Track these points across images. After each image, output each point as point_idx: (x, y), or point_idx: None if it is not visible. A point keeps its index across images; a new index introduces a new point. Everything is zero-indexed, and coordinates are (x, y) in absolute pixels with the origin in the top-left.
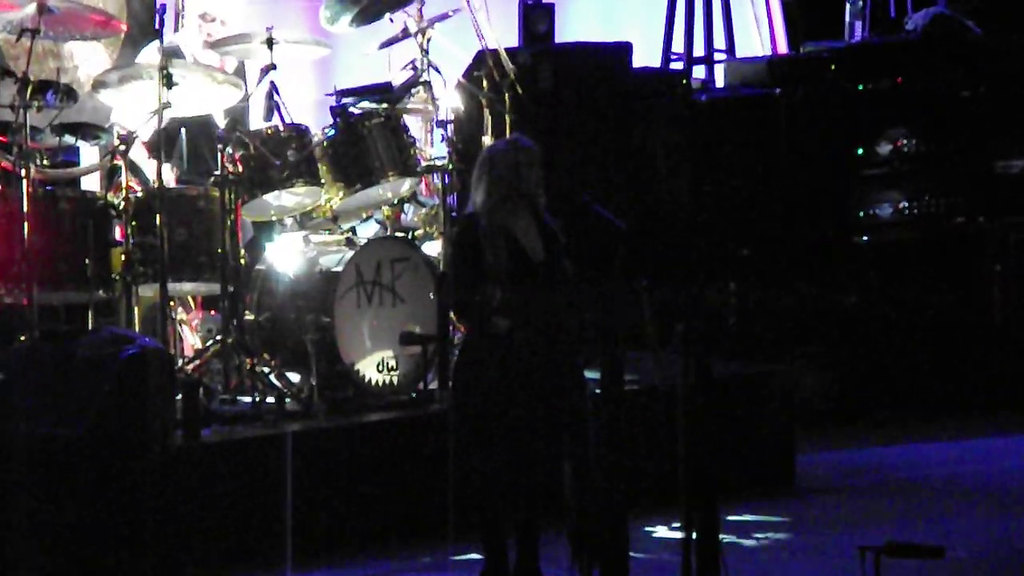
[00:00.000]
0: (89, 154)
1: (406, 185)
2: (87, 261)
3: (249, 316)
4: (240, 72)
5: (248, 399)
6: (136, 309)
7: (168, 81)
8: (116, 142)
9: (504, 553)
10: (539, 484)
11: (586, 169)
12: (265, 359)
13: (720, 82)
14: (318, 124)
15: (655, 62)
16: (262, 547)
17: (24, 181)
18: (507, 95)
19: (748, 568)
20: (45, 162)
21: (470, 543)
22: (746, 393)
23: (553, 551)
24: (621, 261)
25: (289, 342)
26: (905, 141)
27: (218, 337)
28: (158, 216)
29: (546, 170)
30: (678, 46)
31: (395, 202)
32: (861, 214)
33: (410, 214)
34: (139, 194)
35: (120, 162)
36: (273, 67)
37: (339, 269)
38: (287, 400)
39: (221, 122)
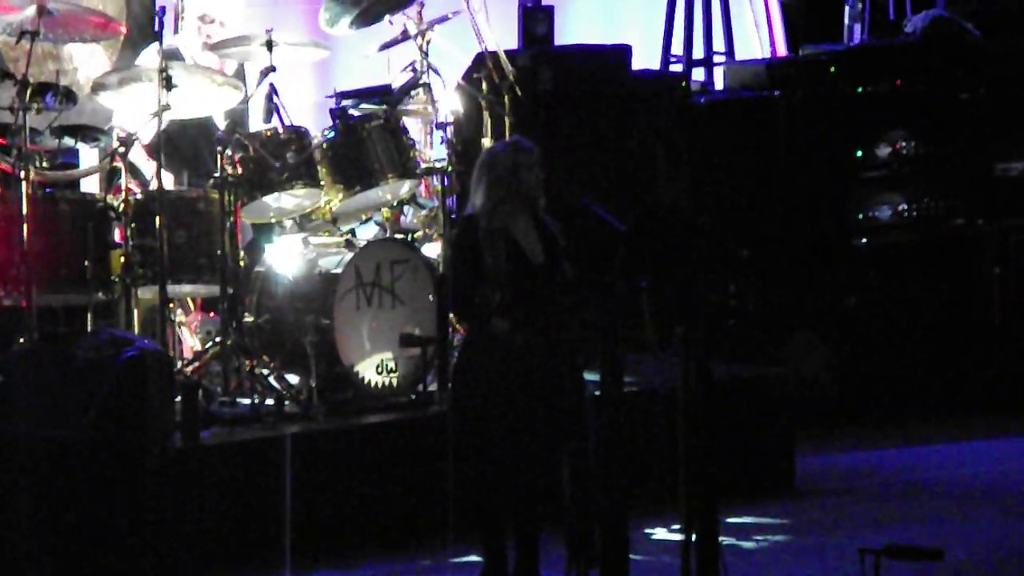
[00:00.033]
0: (89, 156)
1: (405, 187)
2: (86, 263)
3: (248, 318)
4: (239, 74)
5: (247, 401)
6: (135, 311)
7: (167, 83)
8: (115, 144)
9: (503, 555)
10: (538, 486)
11: (585, 171)
12: (264, 361)
13: (719, 84)
14: (317, 126)
15: (654, 64)
16: (261, 550)
17: (24, 183)
18: (506, 97)
19: (748, 570)
20: (44, 164)
21: (469, 545)
22: (746, 395)
23: (552, 553)
24: (621, 263)
25: (288, 344)
26: (904, 143)
27: (217, 339)
28: (157, 218)
29: (545, 172)
30: (677, 48)
31: (394, 204)
32: (860, 216)
33: (409, 216)
34: (138, 196)
35: (120, 164)
36: (273, 69)
37: (338, 271)
38: (286, 402)
39: (221, 124)
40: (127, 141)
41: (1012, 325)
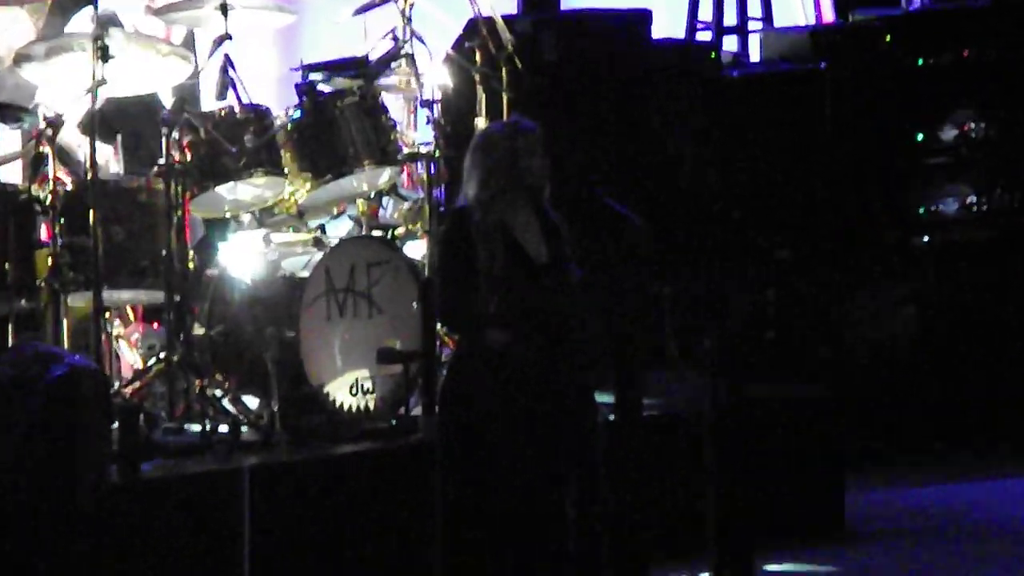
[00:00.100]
0: (9, 139)
1: (385, 175)
2: (7, 265)
3: (198, 330)
4: (189, 43)
5: (197, 427)
6: (65, 321)
7: (103, 54)
8: (42, 126)
9: None
10: (540, 526)
11: (597, 156)
12: (217, 380)
13: (755, 56)
14: (281, 104)
15: (679, 32)
16: None
17: None
18: (504, 70)
19: None
20: None
21: None
22: (787, 420)
23: None
24: (638, 264)
25: (246, 360)
26: (973, 125)
27: (162, 355)
28: (91, 212)
29: (550, 157)
30: (705, 14)
31: (372, 195)
32: (922, 210)
33: (390, 209)
34: (69, 187)
35: (46, 149)
36: (228, 37)
37: (305, 274)
38: (243, 429)
39: (167, 102)
40: (55, 122)
41: None
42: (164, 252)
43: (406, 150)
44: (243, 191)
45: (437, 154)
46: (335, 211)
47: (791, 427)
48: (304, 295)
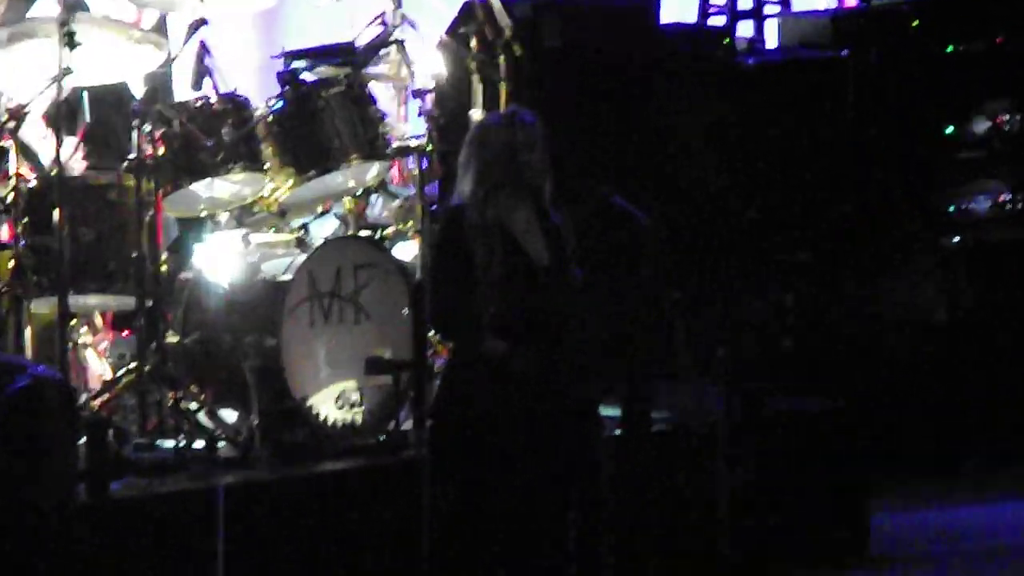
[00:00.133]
0: None
1: (373, 171)
2: None
3: (172, 338)
4: (162, 28)
5: (171, 443)
6: (28, 329)
7: (70, 40)
8: (3, 118)
9: None
10: (539, 549)
11: (601, 151)
12: (192, 392)
13: (772, 42)
14: (262, 95)
15: (690, 16)
16: None
17: None
18: (502, 57)
19: None
20: None
21: None
22: (806, 435)
23: None
24: (647, 267)
25: (223, 371)
26: (1007, 117)
27: (133, 364)
28: (56, 211)
29: (552, 152)
30: None
31: (359, 192)
32: (951, 209)
33: (378, 207)
34: (32, 184)
35: (8, 143)
36: (204, 22)
37: (288, 277)
38: (220, 445)
39: (138, 92)
40: (18, 114)
41: None
42: (135, 254)
43: (396, 144)
44: (220, 188)
45: (429, 148)
46: (319, 209)
47: (811, 443)
48: (286, 300)
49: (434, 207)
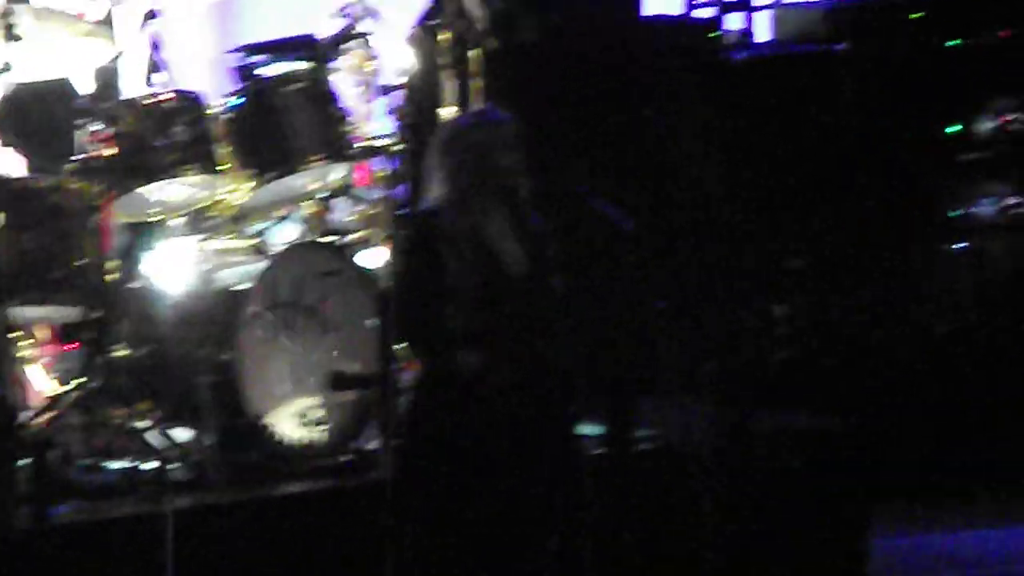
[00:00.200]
0: None
1: (337, 173)
2: None
3: (121, 351)
4: (110, 21)
5: (119, 465)
6: None
7: (9, 33)
8: None
9: None
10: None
11: (581, 151)
12: (142, 410)
13: (764, 35)
14: (217, 91)
15: (675, 8)
16: None
17: None
18: (476, 52)
19: None
20: None
21: None
22: (800, 455)
23: None
24: (630, 275)
25: (175, 387)
26: (1015, 116)
27: (79, 380)
28: None
29: (528, 152)
30: None
31: (322, 196)
32: (955, 214)
33: (343, 212)
34: None
35: None
36: (156, 14)
37: (245, 287)
38: (172, 466)
39: (84, 88)
40: None
41: None
42: (81, 262)
43: (361, 144)
44: (173, 191)
45: (397, 148)
46: (279, 214)
47: (805, 463)
48: (243, 311)
49: (402, 211)
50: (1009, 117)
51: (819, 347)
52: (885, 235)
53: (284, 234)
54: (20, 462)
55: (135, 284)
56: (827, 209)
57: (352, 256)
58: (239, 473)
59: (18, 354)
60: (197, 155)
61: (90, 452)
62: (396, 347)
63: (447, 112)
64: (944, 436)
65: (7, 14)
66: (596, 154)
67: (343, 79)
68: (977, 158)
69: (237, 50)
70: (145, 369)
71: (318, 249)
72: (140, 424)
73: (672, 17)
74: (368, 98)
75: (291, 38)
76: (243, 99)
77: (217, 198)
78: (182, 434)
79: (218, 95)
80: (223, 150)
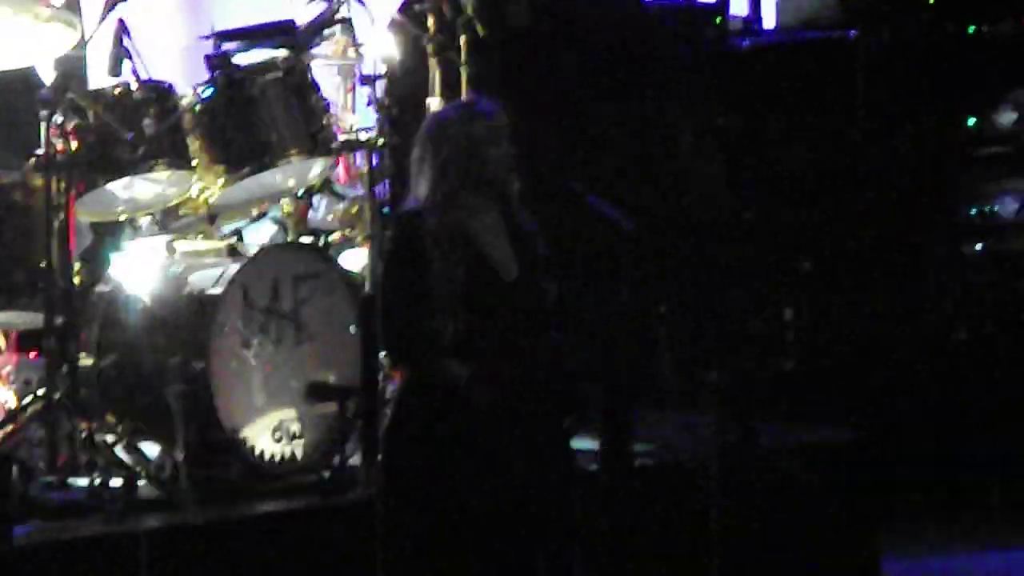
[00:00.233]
0: None
1: (316, 168)
2: None
3: (86, 360)
4: (74, 6)
5: (84, 482)
6: None
7: None
8: None
9: None
10: None
11: (576, 146)
12: (109, 423)
13: (770, 22)
14: (188, 81)
15: None
16: None
17: None
18: (463, 38)
19: None
20: None
21: None
22: (809, 470)
23: None
24: (627, 277)
25: (144, 398)
26: None
27: (41, 391)
28: None
29: (520, 147)
30: None
31: (300, 193)
32: (973, 211)
33: (322, 210)
34: None
35: None
36: None
37: (217, 291)
38: (141, 483)
39: (47, 78)
40: None
41: None
42: (43, 264)
43: (342, 137)
44: (141, 188)
45: (380, 142)
46: (254, 213)
47: (815, 479)
48: (216, 317)
49: (386, 210)
50: None
51: (829, 354)
52: (899, 234)
53: (260, 234)
54: None
55: (101, 288)
56: (837, 207)
57: (333, 258)
58: (212, 491)
59: None
60: (167, 149)
61: (53, 468)
62: (379, 356)
63: (434, 103)
64: (962, 449)
65: None
66: (593, 148)
67: (323, 68)
68: (997, 152)
69: (210, 37)
70: (112, 379)
71: (296, 250)
72: (107, 438)
73: (674, 2)
74: (349, 88)
75: (267, 24)
76: (216, 89)
77: (188, 195)
78: (151, 449)
79: (189, 85)
80: (195, 144)
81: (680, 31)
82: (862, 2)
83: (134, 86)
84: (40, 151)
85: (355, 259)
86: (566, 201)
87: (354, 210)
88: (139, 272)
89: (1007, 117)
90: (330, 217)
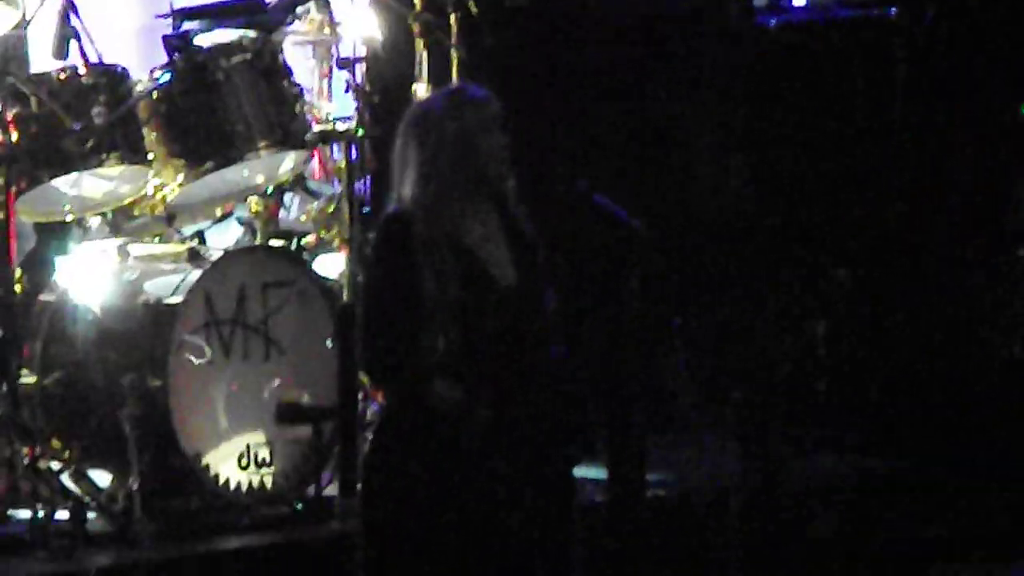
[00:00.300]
0: None
1: (288, 163)
2: None
3: (28, 378)
4: None
5: (26, 514)
6: None
7: None
8: None
9: None
10: None
11: (581, 138)
12: (54, 448)
13: None
14: (144, 65)
15: None
16: None
17: None
18: (453, 17)
19: None
20: None
21: None
22: (843, 502)
23: None
24: (638, 286)
25: (94, 420)
26: None
27: None
28: None
29: (516, 140)
30: None
31: (270, 191)
32: None
33: (294, 210)
34: None
35: None
36: None
37: (177, 300)
38: (90, 516)
39: None
40: None
41: None
42: None
43: (317, 127)
44: (90, 185)
45: (360, 133)
46: (218, 213)
47: (850, 515)
48: (175, 329)
49: (366, 210)
50: None
51: (867, 373)
52: (945, 239)
53: (224, 237)
54: None
55: (45, 297)
56: (875, 208)
57: (306, 263)
58: (171, 524)
59: None
60: (119, 141)
61: None
62: (359, 373)
63: (421, 89)
64: (1012, 480)
65: None
66: (598, 140)
67: (295, 49)
68: None
69: (168, 15)
70: (58, 399)
71: (265, 255)
72: (52, 465)
73: None
74: (325, 73)
75: (233, 1)
76: (175, 74)
77: (143, 193)
78: (102, 477)
79: (145, 69)
80: (151, 135)
81: (700, 9)
82: None
83: (82, 70)
84: None
85: (331, 265)
86: (568, 201)
87: (330, 210)
88: (88, 279)
89: None
90: (303, 217)
